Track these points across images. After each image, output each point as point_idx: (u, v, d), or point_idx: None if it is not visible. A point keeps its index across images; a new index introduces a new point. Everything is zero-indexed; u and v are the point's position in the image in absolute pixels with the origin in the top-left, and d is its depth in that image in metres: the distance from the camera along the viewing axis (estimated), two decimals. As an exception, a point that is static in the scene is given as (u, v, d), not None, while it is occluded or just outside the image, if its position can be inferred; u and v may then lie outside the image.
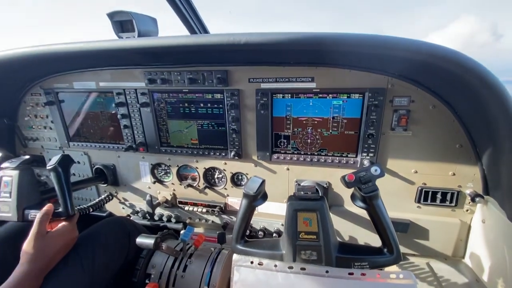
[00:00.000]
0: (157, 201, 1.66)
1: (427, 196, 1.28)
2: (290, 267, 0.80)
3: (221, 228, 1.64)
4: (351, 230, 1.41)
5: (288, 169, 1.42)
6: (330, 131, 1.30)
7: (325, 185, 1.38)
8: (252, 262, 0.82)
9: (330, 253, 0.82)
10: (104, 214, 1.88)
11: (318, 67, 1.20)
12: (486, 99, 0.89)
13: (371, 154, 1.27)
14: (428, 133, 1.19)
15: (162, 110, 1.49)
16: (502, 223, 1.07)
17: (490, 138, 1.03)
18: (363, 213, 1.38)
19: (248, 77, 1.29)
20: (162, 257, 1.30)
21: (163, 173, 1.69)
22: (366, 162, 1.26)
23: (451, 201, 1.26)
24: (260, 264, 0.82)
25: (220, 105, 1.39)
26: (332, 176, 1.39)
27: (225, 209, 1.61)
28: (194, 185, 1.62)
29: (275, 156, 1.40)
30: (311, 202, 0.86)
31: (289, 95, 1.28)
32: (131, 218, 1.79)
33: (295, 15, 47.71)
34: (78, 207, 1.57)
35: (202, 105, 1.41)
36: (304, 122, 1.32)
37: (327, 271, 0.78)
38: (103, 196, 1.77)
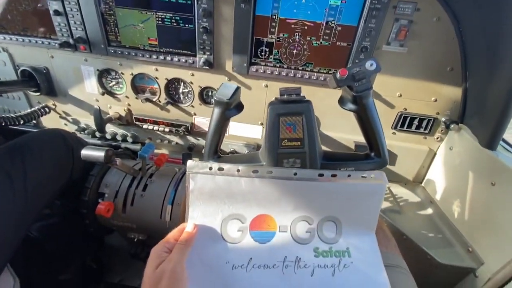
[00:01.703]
0: (108, 116, 1.39)
1: (404, 122, 1.25)
2: (255, 171, 0.69)
3: (186, 150, 1.48)
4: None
5: (266, 86, 1.25)
6: (321, 40, 1.11)
7: (305, 106, 1.26)
8: (211, 168, 0.69)
9: (315, 160, 0.73)
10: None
11: None
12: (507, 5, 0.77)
13: (361, 70, 1.14)
14: (423, 52, 1.09)
15: (108, -9, 1.11)
16: (471, 148, 1.10)
17: (487, 61, 0.96)
18: (339, 138, 1.34)
19: (226, -49, 0.97)
20: (118, 175, 1.13)
21: (113, 82, 1.38)
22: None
23: (425, 128, 1.26)
24: (220, 169, 0.69)
25: (188, -9, 1.07)
26: (312, 96, 1.25)
27: (191, 130, 1.43)
28: (154, 100, 1.37)
29: (253, 68, 1.20)
30: (296, 104, 0.72)
31: (279, -15, 1.02)
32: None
33: None
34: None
35: (162, -11, 1.07)
36: (292, 26, 1.09)
37: (295, 173, 0.69)
38: (36, 107, 1.43)
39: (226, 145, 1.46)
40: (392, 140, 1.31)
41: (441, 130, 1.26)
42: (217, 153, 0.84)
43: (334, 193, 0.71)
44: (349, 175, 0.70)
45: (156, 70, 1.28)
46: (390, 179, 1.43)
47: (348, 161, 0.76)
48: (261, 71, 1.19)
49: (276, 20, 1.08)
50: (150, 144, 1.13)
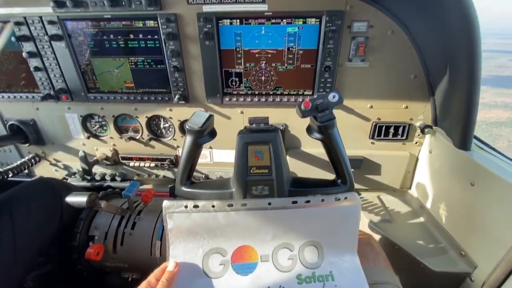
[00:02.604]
0: (95, 158, 1.43)
1: (380, 131, 1.28)
2: (230, 205, 0.71)
3: (173, 182, 1.50)
4: (308, 171, 1.39)
5: (242, 112, 1.29)
6: (286, 65, 1.16)
7: (281, 127, 1.30)
8: (186, 206, 0.72)
9: (282, 187, 0.75)
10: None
11: None
12: (448, 17, 0.82)
13: (328, 90, 1.18)
14: (385, 64, 1.13)
15: (82, 44, 1.18)
16: (448, 151, 1.11)
17: (446, 66, 1.00)
18: (320, 153, 1.35)
19: (186, -3, 1.05)
20: (107, 217, 1.14)
21: (97, 126, 1.44)
22: (323, 99, 1.18)
23: (402, 135, 1.28)
24: (195, 206, 0.71)
25: (156, 36, 1.14)
26: (289, 117, 1.30)
27: (176, 162, 1.46)
28: (137, 137, 1.42)
29: (226, 98, 1.25)
30: (263, 133, 0.75)
31: (238, 21, 1.09)
32: (67, 181, 1.55)
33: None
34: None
35: (132, 36, 1.15)
36: (256, 55, 1.15)
37: (269, 203, 0.71)
38: (26, 158, 1.48)
39: (213, 172, 1.48)
40: (372, 150, 1.33)
41: (418, 135, 1.27)
42: (190, 180, 0.87)
43: (310, 218, 0.72)
44: (322, 200, 0.71)
45: (136, 109, 1.34)
46: (379, 188, 1.43)
47: (316, 188, 0.78)
48: (234, 99, 1.24)
49: (240, 52, 1.15)
50: (134, 182, 1.16)
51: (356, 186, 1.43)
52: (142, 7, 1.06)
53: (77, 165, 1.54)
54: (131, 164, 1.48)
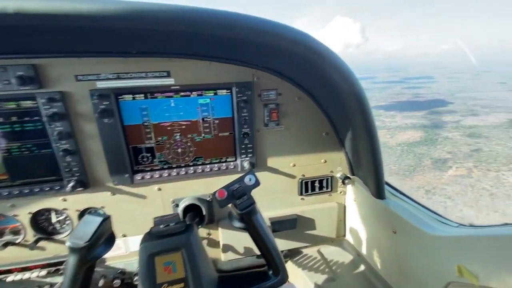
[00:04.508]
0: None
1: (307, 186, 1.29)
2: None
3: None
4: (245, 241, 1.27)
5: (160, 189, 1.13)
6: (203, 135, 1.10)
7: (208, 198, 1.18)
8: None
9: None
10: None
11: (172, 58, 0.96)
12: (338, 85, 0.91)
13: (250, 155, 1.15)
14: (298, 125, 1.19)
15: None
16: (367, 199, 1.18)
17: (348, 124, 1.09)
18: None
19: (74, 74, 0.91)
20: None
21: (-50, 236, 1.03)
22: (246, 165, 1.14)
23: (327, 187, 1.32)
24: None
25: (36, 117, 0.93)
26: (214, 186, 1.19)
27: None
28: (18, 241, 1.07)
29: (138, 176, 1.08)
30: (172, 238, 0.62)
31: (143, 95, 0.99)
32: None
33: None
34: None
35: (1, 120, 0.91)
36: (169, 128, 1.05)
37: None
38: None
39: (131, 265, 1.20)
40: (303, 206, 1.32)
41: (341, 185, 1.34)
42: None
43: None
44: None
45: (13, 206, 1.02)
46: (318, 242, 1.41)
47: (246, 286, 0.68)
48: (148, 176, 1.08)
49: (149, 126, 1.03)
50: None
51: (297, 244, 1.37)
52: (12, 87, 0.86)
53: None
54: (10, 279, 1.08)
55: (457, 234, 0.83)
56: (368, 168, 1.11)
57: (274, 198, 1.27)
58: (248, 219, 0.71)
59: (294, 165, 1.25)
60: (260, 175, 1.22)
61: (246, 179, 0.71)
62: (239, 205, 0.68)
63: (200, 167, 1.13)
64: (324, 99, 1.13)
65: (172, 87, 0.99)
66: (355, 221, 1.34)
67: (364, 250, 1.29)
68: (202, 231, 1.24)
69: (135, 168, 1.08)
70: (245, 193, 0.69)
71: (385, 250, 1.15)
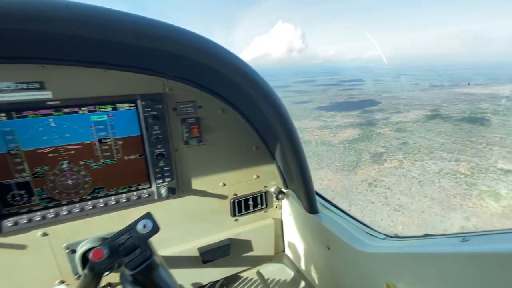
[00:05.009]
0: None
1: (240, 206, 1.17)
2: None
3: None
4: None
5: (45, 234, 0.87)
6: (102, 160, 0.88)
7: (118, 236, 0.96)
8: None
9: None
10: None
11: (47, 65, 0.74)
12: (256, 99, 0.81)
13: (169, 179, 0.98)
14: (225, 140, 1.06)
15: None
16: (301, 214, 1.11)
17: (275, 137, 1.01)
18: (183, 251, 1.09)
19: None
20: None
21: None
22: (164, 191, 0.96)
23: (262, 203, 1.22)
24: None
25: None
26: (127, 219, 0.98)
27: None
28: None
29: (9, 222, 0.80)
30: None
31: (4, 115, 0.73)
32: None
33: None
34: None
35: None
36: (50, 155, 0.81)
37: None
38: None
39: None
40: (237, 228, 1.20)
41: (276, 200, 1.26)
42: None
43: None
44: None
45: None
46: (256, 263, 1.30)
47: None
48: (24, 221, 0.81)
49: (19, 155, 0.77)
50: None
51: (233, 270, 1.24)
52: None
53: None
54: None
55: (383, 250, 0.81)
56: (298, 182, 1.04)
57: (203, 225, 1.12)
58: (146, 280, 0.54)
59: (224, 184, 1.11)
60: (185, 200, 1.06)
61: (139, 226, 0.55)
62: (128, 264, 0.52)
63: (101, 200, 0.91)
64: (250, 112, 1.02)
65: (49, 103, 0.76)
66: (292, 236, 1.27)
67: (303, 266, 1.23)
68: (103, 280, 1.01)
69: (4, 212, 0.80)
70: (136, 245, 0.53)
71: (321, 266, 1.10)
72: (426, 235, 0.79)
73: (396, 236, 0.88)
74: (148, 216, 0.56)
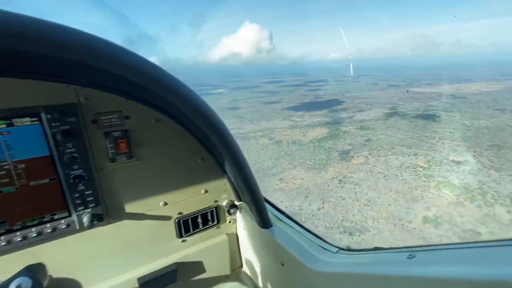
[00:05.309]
0: None
1: (188, 225, 1.06)
2: None
3: None
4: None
5: None
6: (-2, 189, 0.71)
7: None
8: None
9: None
10: None
11: None
12: (183, 111, 0.72)
13: (93, 204, 0.83)
14: (162, 154, 0.94)
15: None
16: (254, 228, 1.03)
17: (225, 150, 0.92)
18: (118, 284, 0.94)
19: None
20: None
21: None
22: (87, 220, 0.81)
23: (213, 220, 1.12)
24: None
25: None
26: (42, 257, 0.81)
27: None
28: None
29: None
30: None
31: None
32: None
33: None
34: None
35: None
36: None
37: None
38: None
39: None
40: (186, 249, 1.08)
41: (229, 214, 1.16)
42: None
43: None
44: None
45: None
46: (210, 284, 1.18)
47: None
48: None
49: None
50: None
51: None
52: None
53: None
54: None
55: (334, 268, 0.75)
56: (248, 198, 0.96)
57: (142, 252, 0.98)
58: None
59: (166, 204, 0.99)
60: (117, 227, 0.91)
61: (13, 286, 0.42)
62: None
63: (2, 237, 0.73)
64: (188, 120, 0.91)
65: None
66: (247, 251, 1.19)
67: (260, 283, 1.15)
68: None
69: None
70: None
71: (277, 283, 1.03)
72: (376, 248, 0.75)
73: (348, 249, 0.84)
74: (26, 271, 0.43)
